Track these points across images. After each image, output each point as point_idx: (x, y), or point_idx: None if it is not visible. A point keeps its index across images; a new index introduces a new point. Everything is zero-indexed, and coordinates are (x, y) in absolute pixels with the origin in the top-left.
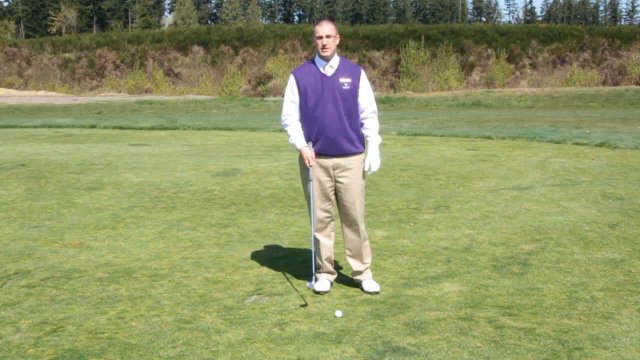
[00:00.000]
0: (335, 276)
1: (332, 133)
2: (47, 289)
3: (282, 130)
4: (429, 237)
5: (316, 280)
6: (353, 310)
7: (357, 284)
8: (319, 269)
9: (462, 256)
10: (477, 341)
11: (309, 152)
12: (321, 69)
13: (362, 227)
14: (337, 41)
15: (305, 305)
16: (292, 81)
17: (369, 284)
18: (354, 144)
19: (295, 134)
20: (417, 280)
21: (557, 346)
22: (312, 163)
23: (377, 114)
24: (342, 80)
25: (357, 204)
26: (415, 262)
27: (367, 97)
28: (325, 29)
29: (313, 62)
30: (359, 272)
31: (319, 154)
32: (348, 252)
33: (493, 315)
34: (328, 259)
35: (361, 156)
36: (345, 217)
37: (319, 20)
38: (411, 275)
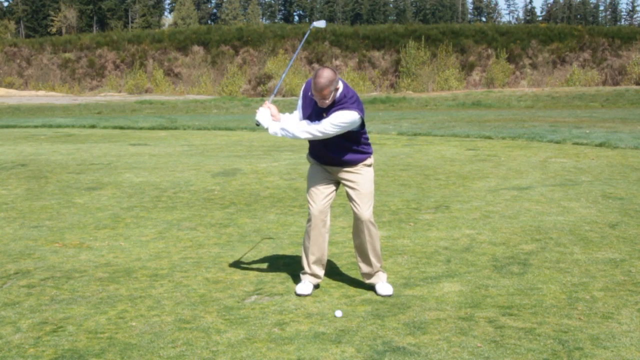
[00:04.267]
0: (319, 280)
1: (335, 159)
2: (47, 289)
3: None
4: (429, 237)
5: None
6: (353, 310)
7: (372, 287)
8: (304, 270)
9: (462, 256)
10: (477, 341)
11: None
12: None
13: (370, 228)
14: (338, 88)
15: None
16: (304, 90)
17: (381, 286)
18: (358, 154)
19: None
20: (417, 280)
21: (557, 346)
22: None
23: (319, 133)
24: None
25: (364, 202)
26: (415, 262)
27: (326, 120)
28: (322, 94)
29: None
30: (369, 275)
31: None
32: (356, 253)
33: (493, 315)
34: (317, 261)
35: (369, 159)
36: (354, 217)
37: (319, 71)
38: (411, 275)
